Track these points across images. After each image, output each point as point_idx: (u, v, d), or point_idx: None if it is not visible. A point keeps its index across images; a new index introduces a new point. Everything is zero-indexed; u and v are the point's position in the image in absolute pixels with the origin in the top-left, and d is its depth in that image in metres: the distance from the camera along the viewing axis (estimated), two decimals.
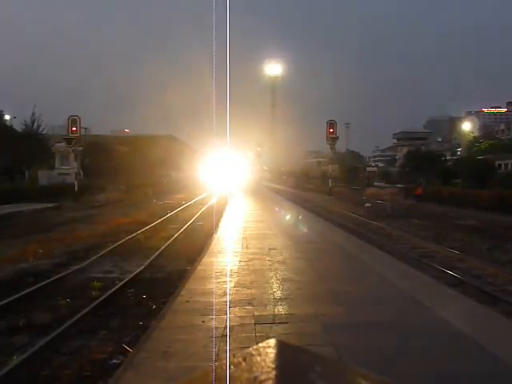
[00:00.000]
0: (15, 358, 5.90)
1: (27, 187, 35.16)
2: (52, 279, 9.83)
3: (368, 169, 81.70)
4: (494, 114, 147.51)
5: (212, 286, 7.84)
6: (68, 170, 41.33)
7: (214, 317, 6.05)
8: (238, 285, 7.79)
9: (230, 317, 6.05)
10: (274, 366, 0.67)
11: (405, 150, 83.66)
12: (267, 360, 0.69)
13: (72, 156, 39.68)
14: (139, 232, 16.96)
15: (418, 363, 4.50)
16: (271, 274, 8.70)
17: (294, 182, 67.09)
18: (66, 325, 6.93)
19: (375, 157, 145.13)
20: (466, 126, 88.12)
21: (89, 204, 30.26)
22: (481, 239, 16.93)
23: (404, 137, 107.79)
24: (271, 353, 0.70)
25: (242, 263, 9.72)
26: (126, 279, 9.88)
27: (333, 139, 43.44)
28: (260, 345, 0.73)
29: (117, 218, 21.45)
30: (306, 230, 15.70)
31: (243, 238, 13.58)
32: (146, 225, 18.88)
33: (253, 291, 7.36)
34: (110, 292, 8.82)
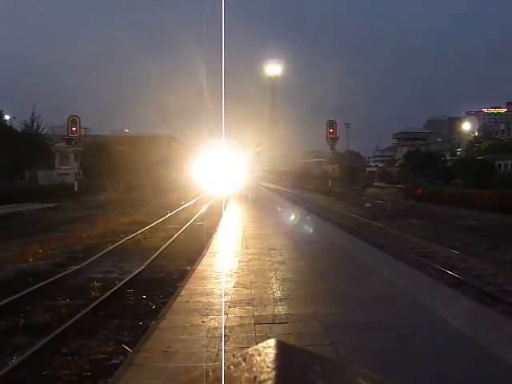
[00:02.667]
0: (15, 358, 5.90)
1: (27, 187, 35.18)
2: (52, 279, 9.82)
3: (368, 169, 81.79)
4: (494, 114, 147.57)
5: (212, 286, 7.85)
6: (68, 170, 41.38)
7: (213, 317, 6.05)
8: (237, 285, 7.79)
9: (230, 317, 6.05)
10: (273, 366, 0.67)
11: (405, 150, 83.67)
12: (267, 360, 0.69)
13: (72, 156, 39.72)
14: (139, 232, 16.96)
15: (418, 363, 4.50)
16: (271, 274, 8.70)
17: (293, 182, 67.10)
18: (65, 325, 6.93)
19: (375, 157, 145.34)
20: (466, 126, 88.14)
21: (88, 204, 30.26)
22: (481, 239, 16.93)
23: (404, 137, 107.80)
24: (271, 353, 0.70)
25: (242, 263, 9.73)
26: (126, 279, 9.88)
27: (333, 139, 43.46)
28: (260, 345, 0.73)
29: (116, 218, 21.44)
30: (305, 230, 15.70)
31: (243, 238, 13.59)
32: (146, 225, 18.88)
33: (252, 291, 7.36)
34: (109, 292, 8.81)
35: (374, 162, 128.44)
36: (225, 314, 6.19)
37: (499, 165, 47.89)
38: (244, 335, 5.35)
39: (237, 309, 6.43)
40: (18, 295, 8.49)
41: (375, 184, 63.90)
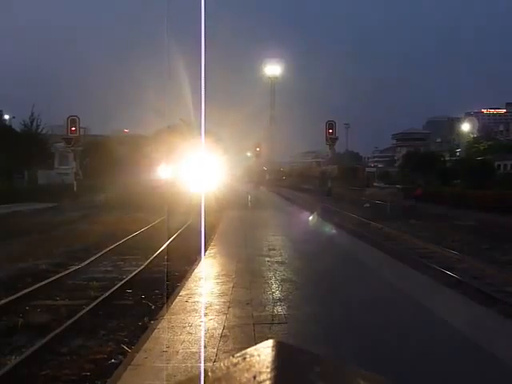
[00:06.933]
0: (14, 357, 5.89)
1: (26, 187, 35.14)
2: (51, 279, 9.82)
3: (367, 169, 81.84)
4: (494, 114, 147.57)
5: (211, 286, 7.84)
6: (67, 169, 41.33)
7: (212, 317, 6.05)
8: (236, 285, 7.79)
9: (229, 317, 6.05)
10: (272, 366, 0.67)
11: (404, 150, 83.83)
12: (266, 360, 0.69)
13: (71, 156, 39.68)
14: (138, 232, 16.92)
15: (418, 363, 4.51)
16: (270, 274, 8.70)
17: (292, 182, 67.17)
18: (65, 325, 6.93)
19: (374, 157, 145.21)
20: (465, 127, 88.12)
21: (88, 204, 30.19)
22: (480, 240, 16.93)
23: (403, 137, 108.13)
24: (270, 353, 0.70)
25: (241, 264, 9.72)
26: (125, 279, 9.86)
27: (332, 140, 43.43)
28: (259, 345, 0.73)
29: (116, 217, 21.40)
30: (304, 230, 15.71)
31: (243, 239, 13.61)
32: (146, 224, 18.81)
33: (252, 291, 7.36)
34: (109, 292, 8.80)
35: (374, 162, 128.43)
36: (224, 314, 6.19)
37: (498, 165, 47.91)
38: (243, 335, 5.35)
39: (236, 309, 6.43)
40: (17, 295, 8.49)
41: (374, 184, 63.94)
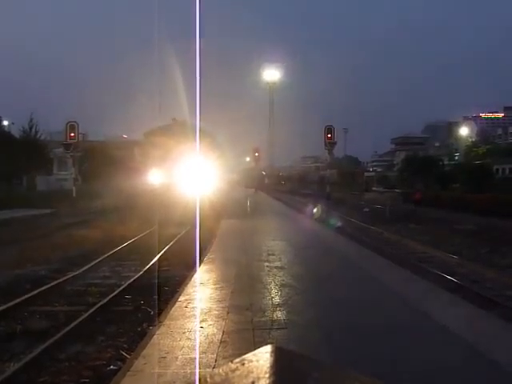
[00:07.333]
0: (13, 364, 5.86)
1: (25, 193, 35.12)
2: (49, 285, 9.78)
3: (366, 174, 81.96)
4: (492, 118, 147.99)
5: (210, 291, 7.83)
6: (66, 175, 41.31)
7: (212, 322, 6.03)
8: (236, 290, 7.77)
9: (229, 322, 6.03)
10: (271, 371, 0.67)
11: (403, 154, 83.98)
12: (264, 366, 0.68)
13: (70, 161, 39.65)
14: (137, 238, 16.88)
15: (419, 368, 4.49)
16: (269, 279, 8.68)
17: (292, 187, 67.27)
18: (63, 331, 6.90)
19: (373, 162, 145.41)
20: (464, 131, 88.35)
21: (86, 210, 30.14)
22: (479, 243, 16.92)
23: (402, 142, 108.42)
24: (268, 358, 0.70)
25: (240, 270, 9.70)
26: (124, 285, 9.83)
27: (331, 144, 43.46)
28: (257, 350, 0.73)
29: (114, 223, 21.35)
30: (304, 235, 15.70)
31: (243, 244, 13.59)
32: (144, 230, 18.75)
33: (251, 297, 7.34)
34: (107, 298, 8.77)
35: (373, 166, 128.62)
36: (223, 319, 6.17)
37: (497, 169, 47.99)
38: (243, 341, 5.33)
39: (235, 314, 6.41)
40: (15, 301, 8.45)
41: (373, 189, 63.98)
